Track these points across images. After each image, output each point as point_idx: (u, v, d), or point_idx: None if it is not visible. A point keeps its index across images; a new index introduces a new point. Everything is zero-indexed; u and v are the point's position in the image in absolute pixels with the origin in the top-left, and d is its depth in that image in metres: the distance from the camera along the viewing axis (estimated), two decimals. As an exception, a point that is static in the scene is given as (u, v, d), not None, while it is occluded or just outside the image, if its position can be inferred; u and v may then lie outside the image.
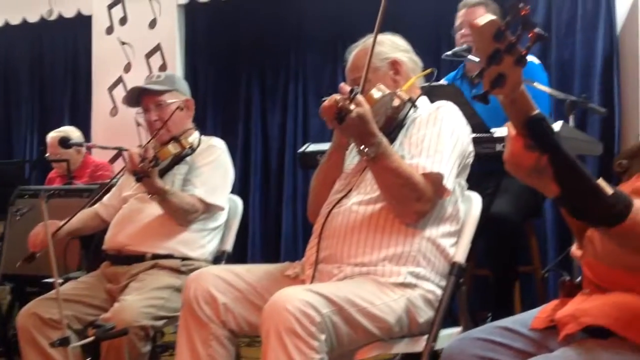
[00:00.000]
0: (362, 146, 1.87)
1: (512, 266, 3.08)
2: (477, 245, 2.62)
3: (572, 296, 1.36)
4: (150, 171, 2.42)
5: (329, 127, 1.93)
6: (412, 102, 2.08)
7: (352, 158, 2.21)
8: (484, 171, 2.48)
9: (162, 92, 2.71)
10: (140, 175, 2.41)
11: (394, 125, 2.06)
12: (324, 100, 2.84)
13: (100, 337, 1.95)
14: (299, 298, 1.68)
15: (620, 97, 3.97)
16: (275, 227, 4.98)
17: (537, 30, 0.99)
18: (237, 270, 2.02)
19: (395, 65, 2.17)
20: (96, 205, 2.85)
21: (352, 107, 1.79)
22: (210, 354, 1.91)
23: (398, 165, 1.88)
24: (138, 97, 2.76)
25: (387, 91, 1.98)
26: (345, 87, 1.87)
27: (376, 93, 1.93)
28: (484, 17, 0.96)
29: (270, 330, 1.67)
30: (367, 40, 2.16)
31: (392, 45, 2.20)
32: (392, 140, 2.03)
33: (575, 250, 1.45)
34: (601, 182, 1.05)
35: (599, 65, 4.03)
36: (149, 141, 2.63)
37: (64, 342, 1.98)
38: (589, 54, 4.07)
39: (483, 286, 3.55)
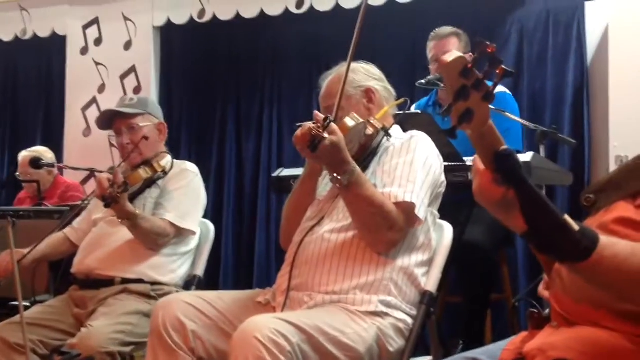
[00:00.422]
0: (335, 174, 1.88)
1: (484, 294, 3.09)
2: (450, 272, 2.63)
3: (540, 328, 1.37)
4: (119, 197, 2.39)
5: (302, 155, 1.93)
6: (385, 131, 2.09)
7: (324, 185, 2.21)
8: (457, 200, 2.49)
9: (134, 115, 2.70)
10: (109, 201, 2.39)
11: (366, 153, 2.08)
12: (299, 126, 2.85)
13: (66, 365, 1.91)
14: (268, 327, 1.67)
15: (590, 128, 4.04)
16: (248, 252, 4.95)
17: (504, 66, 1.01)
18: (207, 297, 2.00)
19: (368, 93, 2.19)
20: (66, 229, 2.82)
21: (326, 135, 1.80)
22: (178, 381, 1.89)
23: (371, 194, 1.89)
24: (110, 119, 2.74)
25: (361, 120, 2.00)
26: (319, 115, 1.88)
27: (350, 121, 1.95)
28: (452, 54, 0.98)
29: (239, 359, 1.66)
30: (341, 68, 2.17)
31: (366, 74, 2.22)
32: (364, 168, 2.03)
33: (542, 290, 1.46)
34: (567, 218, 1.06)
35: (569, 95, 4.09)
36: (119, 165, 2.62)
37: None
38: (560, 85, 4.14)
39: (455, 313, 3.57)
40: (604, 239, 1.08)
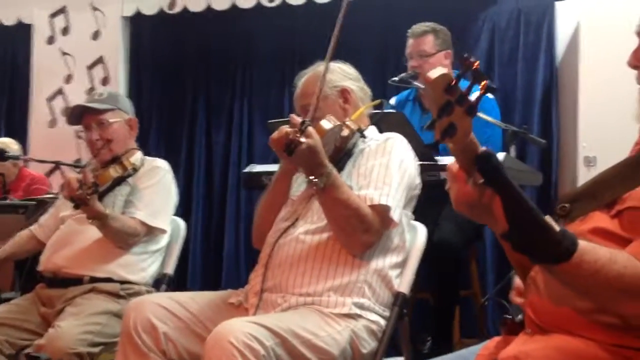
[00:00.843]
0: (312, 176, 1.87)
1: (452, 291, 3.12)
2: (419, 269, 2.65)
3: (513, 334, 1.38)
4: (89, 198, 2.35)
5: (279, 157, 1.92)
6: (361, 132, 2.09)
7: (298, 185, 2.20)
8: (427, 198, 2.51)
9: (104, 111, 2.66)
10: (78, 202, 2.34)
11: (341, 154, 2.07)
12: (272, 123, 2.84)
13: (34, 369, 1.88)
14: (242, 330, 1.66)
15: (558, 128, 4.09)
16: (216, 249, 4.91)
17: (487, 82, 1.01)
18: (179, 299, 1.98)
19: (344, 93, 2.18)
20: (32, 227, 2.77)
21: (303, 139, 1.79)
22: (150, 384, 1.87)
23: (347, 196, 1.89)
24: (80, 114, 2.70)
25: (337, 122, 1.99)
26: (296, 118, 1.86)
27: (326, 124, 1.94)
28: (436, 71, 0.98)
29: None
30: (317, 67, 2.16)
31: (342, 74, 2.21)
32: (339, 169, 2.03)
33: (514, 296, 1.47)
34: (549, 218, 1.07)
35: (539, 94, 4.14)
36: (87, 163, 2.58)
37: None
38: (530, 83, 4.18)
39: (423, 309, 3.59)
40: (584, 243, 1.09)
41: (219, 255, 4.88)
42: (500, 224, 1.10)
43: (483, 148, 1.08)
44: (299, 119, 1.84)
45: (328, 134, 1.93)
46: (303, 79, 2.21)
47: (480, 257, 3.84)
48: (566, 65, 4.10)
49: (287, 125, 1.85)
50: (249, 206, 4.79)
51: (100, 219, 2.42)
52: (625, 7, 3.47)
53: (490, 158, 1.08)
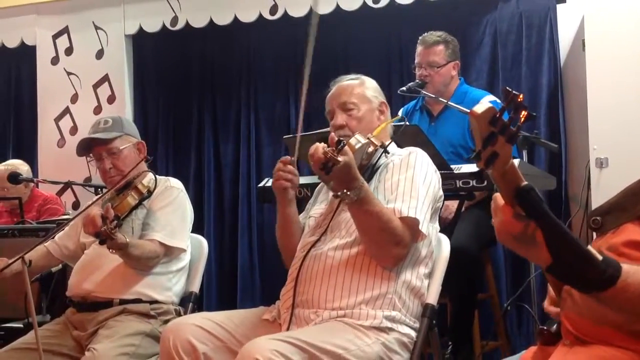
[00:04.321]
0: (345, 190, 1.91)
1: (471, 295, 3.17)
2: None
3: (550, 345, 1.43)
4: (114, 232, 2.34)
5: (316, 173, 1.95)
6: (384, 148, 2.15)
7: (320, 202, 2.25)
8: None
9: (112, 140, 2.68)
10: (104, 238, 2.34)
11: (365, 170, 2.12)
12: (287, 139, 2.89)
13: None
14: (268, 347, 1.71)
15: (566, 130, 4.11)
16: (230, 261, 4.94)
17: (527, 111, 1.07)
18: (215, 319, 2.03)
19: (382, 106, 2.27)
20: (47, 243, 2.80)
21: (340, 159, 1.84)
22: (192, 403, 1.92)
23: (379, 209, 1.94)
24: (89, 145, 2.72)
25: (365, 140, 2.04)
26: (334, 138, 1.90)
27: (356, 143, 1.99)
28: (481, 106, 1.03)
29: None
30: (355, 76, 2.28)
31: (379, 90, 2.32)
32: (365, 186, 2.08)
33: (548, 306, 1.52)
34: (591, 248, 1.12)
35: (544, 97, 4.16)
36: (104, 194, 2.61)
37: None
38: (535, 87, 4.20)
39: (442, 314, 3.64)
40: (627, 266, 1.13)
41: (233, 266, 4.90)
42: (544, 256, 1.14)
43: (524, 182, 1.13)
44: (336, 138, 1.89)
45: (357, 152, 1.98)
46: (342, 82, 2.28)
47: (494, 259, 3.88)
48: (571, 67, 4.13)
49: (322, 144, 1.88)
50: (260, 216, 4.83)
51: (121, 249, 2.44)
52: (630, 4, 3.49)
53: (530, 192, 1.12)
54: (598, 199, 3.36)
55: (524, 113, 1.06)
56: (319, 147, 1.88)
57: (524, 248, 1.16)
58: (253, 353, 1.70)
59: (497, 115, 1.03)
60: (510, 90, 1.02)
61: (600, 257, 1.11)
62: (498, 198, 1.17)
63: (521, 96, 1.04)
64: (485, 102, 1.04)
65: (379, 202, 1.97)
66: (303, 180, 2.75)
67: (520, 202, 1.12)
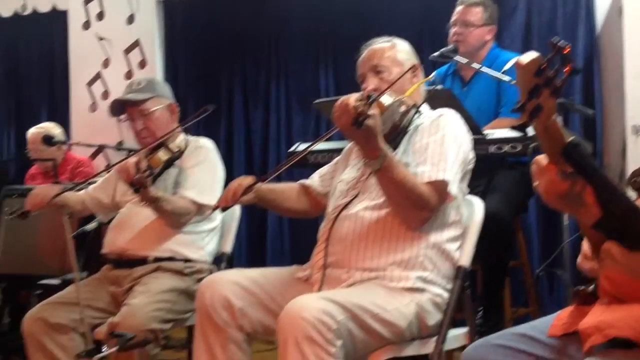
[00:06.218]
0: (368, 159, 1.92)
1: (502, 262, 3.16)
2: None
3: (587, 304, 1.43)
4: (146, 181, 2.40)
5: (341, 130, 1.92)
6: (417, 108, 2.14)
7: (351, 167, 2.25)
8: (475, 170, 2.56)
9: (144, 101, 2.70)
10: (138, 187, 2.39)
11: (398, 131, 2.11)
12: (318, 104, 2.87)
13: (122, 348, 1.97)
14: (315, 306, 1.73)
15: (602, 97, 4.06)
16: (260, 225, 4.97)
17: (573, 65, 1.06)
18: (251, 275, 2.06)
19: (415, 68, 2.24)
20: (81, 193, 2.85)
21: (371, 112, 1.81)
22: (230, 357, 1.96)
23: (403, 176, 1.92)
24: (122, 106, 2.75)
25: (396, 98, 2.02)
26: (365, 93, 1.87)
27: (387, 100, 1.97)
28: (528, 55, 1.02)
29: (288, 338, 1.72)
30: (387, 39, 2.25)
31: (412, 52, 2.29)
32: (395, 146, 2.08)
33: (581, 262, 1.52)
34: (639, 202, 1.11)
35: (580, 64, 4.09)
36: (138, 151, 2.65)
37: (90, 354, 2.00)
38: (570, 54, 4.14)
39: (472, 280, 3.65)
40: None
41: (262, 230, 4.94)
42: (592, 213, 1.12)
43: (570, 137, 1.11)
44: (367, 94, 1.86)
45: (388, 110, 1.97)
46: (373, 45, 2.25)
47: (525, 227, 3.87)
48: (607, 33, 4.06)
49: (351, 98, 1.84)
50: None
51: (153, 202, 2.48)
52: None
53: (578, 147, 1.11)
54: (633, 166, 3.31)
55: (569, 66, 1.05)
56: (345, 100, 1.84)
57: (571, 206, 1.15)
58: (300, 311, 1.72)
59: (543, 67, 1.02)
60: (556, 42, 1.01)
61: None
62: (540, 159, 1.16)
63: (568, 48, 1.03)
64: (533, 53, 1.03)
65: (403, 168, 1.95)
66: (325, 145, 2.75)
67: (568, 157, 1.11)
